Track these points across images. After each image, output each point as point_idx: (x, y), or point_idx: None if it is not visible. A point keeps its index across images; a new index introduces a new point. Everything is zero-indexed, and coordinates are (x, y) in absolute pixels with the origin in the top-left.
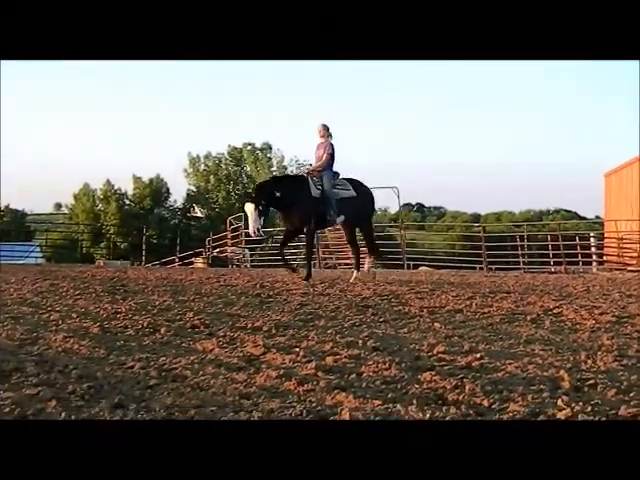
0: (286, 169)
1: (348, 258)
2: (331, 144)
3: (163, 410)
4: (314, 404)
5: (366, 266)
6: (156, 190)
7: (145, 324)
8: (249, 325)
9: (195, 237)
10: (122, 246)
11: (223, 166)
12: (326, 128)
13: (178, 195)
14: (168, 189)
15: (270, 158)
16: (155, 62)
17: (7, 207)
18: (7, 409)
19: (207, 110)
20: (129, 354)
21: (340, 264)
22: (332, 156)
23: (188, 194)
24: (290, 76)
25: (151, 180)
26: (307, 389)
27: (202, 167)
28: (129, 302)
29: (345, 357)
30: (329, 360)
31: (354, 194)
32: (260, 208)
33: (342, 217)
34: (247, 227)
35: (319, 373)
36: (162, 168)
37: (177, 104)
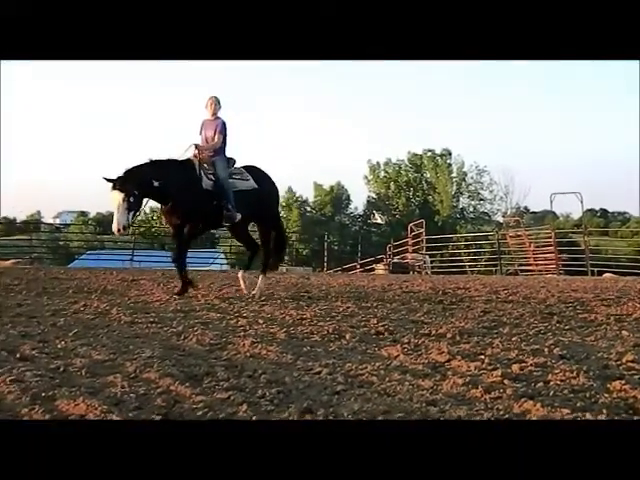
0: (466, 175)
1: (530, 265)
2: (223, 122)
3: (351, 416)
4: (502, 412)
5: (259, 283)
6: (337, 197)
7: (330, 330)
8: (433, 332)
9: (376, 243)
10: (304, 252)
11: (403, 173)
12: (218, 102)
13: (359, 202)
14: (349, 196)
15: (450, 164)
16: (335, 69)
17: None
18: (200, 412)
19: (387, 116)
20: (316, 360)
21: (522, 270)
22: (225, 137)
23: (368, 201)
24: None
25: (332, 187)
26: (494, 397)
27: (382, 174)
28: (314, 308)
29: (531, 365)
30: (515, 368)
31: (255, 186)
32: (131, 199)
33: (239, 215)
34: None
35: (505, 381)
36: (343, 175)
37: (356, 111)
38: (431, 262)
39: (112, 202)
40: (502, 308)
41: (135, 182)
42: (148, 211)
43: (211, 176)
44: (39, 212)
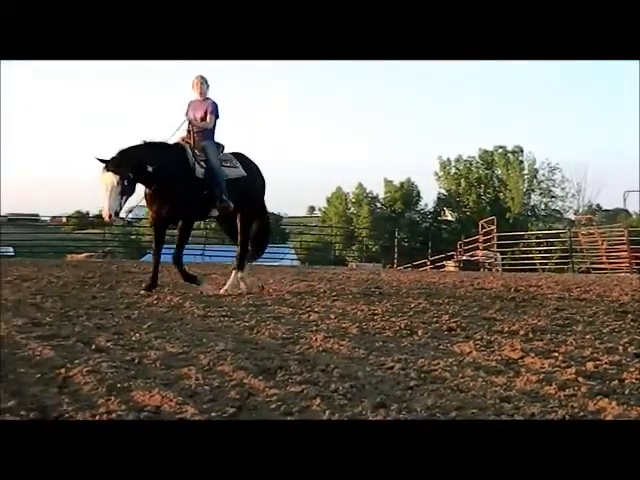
0: (537, 172)
1: (602, 263)
2: (214, 103)
3: (424, 411)
4: (576, 409)
5: (240, 280)
6: (407, 193)
7: (402, 326)
8: (505, 329)
9: (446, 240)
10: (373, 249)
11: (474, 169)
12: (205, 82)
13: (429, 199)
14: (419, 192)
15: (521, 161)
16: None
17: None
18: (273, 405)
19: (456, 113)
20: (388, 355)
21: (594, 268)
22: (216, 120)
23: (439, 197)
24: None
25: (402, 184)
26: (568, 394)
27: (453, 170)
28: (385, 304)
29: (606, 363)
30: (589, 366)
31: (243, 173)
32: (125, 183)
33: (232, 205)
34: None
35: (580, 378)
36: (413, 171)
37: (427, 108)
38: (502, 259)
39: (103, 185)
40: (575, 306)
41: (130, 164)
42: None
43: (203, 163)
44: None
